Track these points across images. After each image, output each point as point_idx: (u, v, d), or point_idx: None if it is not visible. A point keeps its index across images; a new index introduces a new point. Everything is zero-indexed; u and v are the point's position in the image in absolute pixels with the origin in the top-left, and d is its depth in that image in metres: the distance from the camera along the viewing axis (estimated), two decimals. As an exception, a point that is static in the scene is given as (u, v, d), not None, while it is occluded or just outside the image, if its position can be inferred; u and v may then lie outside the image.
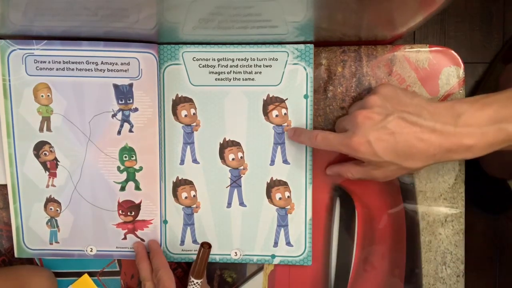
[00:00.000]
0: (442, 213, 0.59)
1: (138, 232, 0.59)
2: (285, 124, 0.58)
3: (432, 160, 0.47)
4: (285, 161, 0.58)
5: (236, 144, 0.58)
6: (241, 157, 0.59)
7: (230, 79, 0.58)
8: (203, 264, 0.55)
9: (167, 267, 0.56)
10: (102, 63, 0.56)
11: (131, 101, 0.57)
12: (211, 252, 0.59)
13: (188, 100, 0.58)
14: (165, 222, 0.60)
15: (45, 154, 0.58)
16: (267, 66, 0.57)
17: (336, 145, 0.50)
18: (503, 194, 0.90)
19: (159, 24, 0.50)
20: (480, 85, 1.11)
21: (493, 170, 0.83)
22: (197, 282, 0.55)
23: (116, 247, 0.60)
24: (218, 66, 0.58)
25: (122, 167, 0.58)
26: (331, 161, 0.59)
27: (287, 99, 0.57)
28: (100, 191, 0.58)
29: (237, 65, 0.57)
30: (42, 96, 0.57)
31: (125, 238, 0.59)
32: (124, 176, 0.58)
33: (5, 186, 0.59)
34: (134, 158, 0.58)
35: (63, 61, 0.56)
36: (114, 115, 0.57)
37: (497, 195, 0.94)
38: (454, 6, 1.13)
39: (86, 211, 0.59)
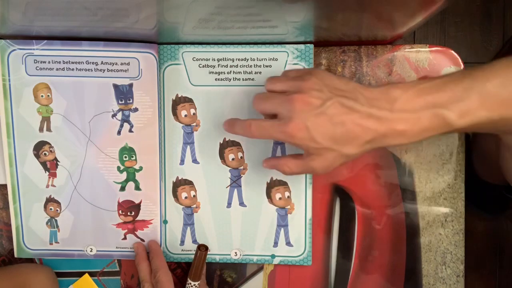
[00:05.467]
0: (442, 213, 0.59)
1: (138, 232, 0.59)
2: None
3: (369, 145, 0.46)
4: (285, 161, 0.58)
5: (236, 144, 0.58)
6: (241, 157, 0.59)
7: (230, 79, 0.58)
8: (200, 267, 0.55)
9: (166, 268, 0.56)
10: (102, 63, 0.56)
11: (131, 101, 0.57)
12: (211, 252, 0.59)
13: (188, 100, 0.58)
14: (165, 222, 0.60)
15: (45, 154, 0.58)
16: (267, 66, 0.57)
17: (272, 133, 0.48)
18: (498, 198, 0.90)
19: (159, 24, 0.50)
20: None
21: (484, 175, 0.83)
22: (194, 284, 0.55)
23: (116, 247, 0.60)
24: (218, 66, 0.57)
25: (122, 167, 0.58)
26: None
27: (287, 99, 0.57)
28: (100, 191, 0.58)
29: (237, 65, 0.57)
30: (42, 96, 0.57)
31: (125, 238, 0.59)
32: (124, 176, 0.58)
33: (5, 186, 0.59)
34: (134, 158, 0.58)
35: (63, 61, 0.56)
36: (114, 115, 0.57)
37: (492, 198, 0.94)
38: (454, 6, 1.12)
39: (86, 211, 0.59)
